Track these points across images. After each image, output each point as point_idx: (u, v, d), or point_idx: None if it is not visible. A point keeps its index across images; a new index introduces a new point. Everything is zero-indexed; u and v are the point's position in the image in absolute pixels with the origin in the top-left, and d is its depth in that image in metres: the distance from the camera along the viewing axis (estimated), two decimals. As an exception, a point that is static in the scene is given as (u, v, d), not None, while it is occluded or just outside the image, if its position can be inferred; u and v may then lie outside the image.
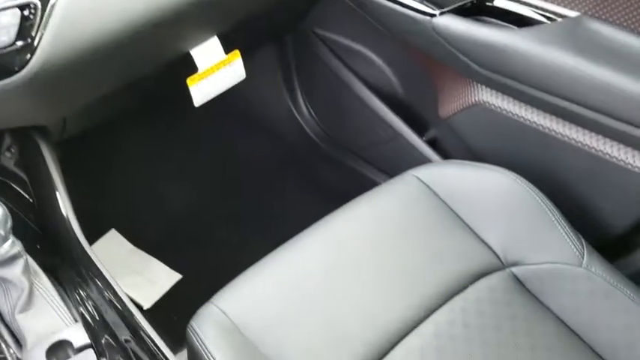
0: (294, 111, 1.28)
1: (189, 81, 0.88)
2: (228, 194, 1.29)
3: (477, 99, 0.93)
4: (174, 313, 0.99)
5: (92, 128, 0.98)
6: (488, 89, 0.92)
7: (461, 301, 0.76)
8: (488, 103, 0.92)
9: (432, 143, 1.07)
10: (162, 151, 1.33)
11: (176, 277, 1.13)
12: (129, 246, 1.18)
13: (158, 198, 1.26)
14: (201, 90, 0.91)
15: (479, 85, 0.92)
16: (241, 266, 0.77)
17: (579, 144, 0.83)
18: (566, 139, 0.85)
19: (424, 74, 1.04)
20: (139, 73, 0.84)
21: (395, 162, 1.10)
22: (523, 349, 0.73)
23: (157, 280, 1.12)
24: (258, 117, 1.35)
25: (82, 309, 0.66)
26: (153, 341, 0.62)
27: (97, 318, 0.66)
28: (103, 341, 0.63)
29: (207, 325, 0.70)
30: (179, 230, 1.22)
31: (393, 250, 0.80)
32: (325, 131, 1.27)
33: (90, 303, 0.67)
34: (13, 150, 0.83)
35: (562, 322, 0.77)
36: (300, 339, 0.70)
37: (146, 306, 1.08)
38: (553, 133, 0.86)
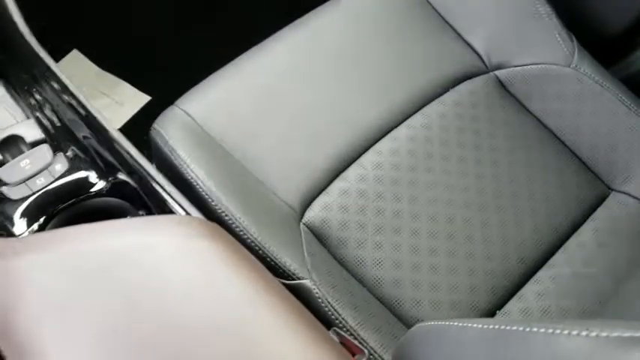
0: None
1: None
2: (196, 13, 1.19)
3: None
4: (144, 134, 0.96)
5: None
6: None
7: (439, 105, 0.72)
8: None
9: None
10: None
11: (145, 98, 1.08)
12: (94, 68, 1.11)
13: (122, 18, 1.16)
14: None
15: None
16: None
17: None
18: None
19: None
20: None
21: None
22: (501, 151, 0.71)
23: (125, 101, 1.07)
24: None
25: (37, 113, 0.62)
26: (111, 136, 0.59)
27: (54, 119, 0.61)
28: (59, 138, 0.59)
29: (170, 125, 0.66)
30: (146, 52, 1.14)
31: (370, 52, 0.74)
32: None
33: (47, 106, 0.62)
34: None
35: (544, 125, 0.74)
36: (268, 138, 0.67)
37: (116, 127, 1.04)
38: None
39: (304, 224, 0.65)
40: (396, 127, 0.71)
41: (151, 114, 1.04)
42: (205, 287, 0.39)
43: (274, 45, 0.74)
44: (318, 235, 0.65)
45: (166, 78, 1.10)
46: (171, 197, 0.54)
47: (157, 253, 0.42)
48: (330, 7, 0.77)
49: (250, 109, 0.69)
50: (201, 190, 0.61)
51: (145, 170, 0.56)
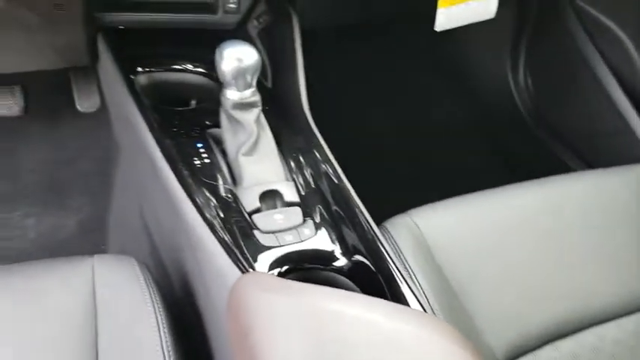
0: (510, 78, 1.21)
1: (440, 2, 0.85)
2: (410, 138, 1.25)
3: None
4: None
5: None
6: None
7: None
8: None
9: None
10: (366, 74, 1.32)
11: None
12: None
13: (346, 118, 1.25)
14: (449, 15, 0.88)
15: None
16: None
17: None
18: None
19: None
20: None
21: (611, 160, 1.00)
22: None
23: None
24: (468, 73, 1.30)
25: (295, 175, 0.68)
26: (363, 215, 0.62)
27: (312, 184, 0.66)
28: (312, 204, 0.64)
29: (400, 229, 0.68)
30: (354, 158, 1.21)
31: (609, 233, 0.72)
32: (537, 107, 1.18)
33: (308, 171, 0.68)
34: (261, 20, 0.87)
35: None
36: (487, 279, 0.66)
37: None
38: None
39: (504, 378, 0.61)
40: (622, 316, 0.66)
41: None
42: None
43: (516, 192, 0.75)
44: (516, 396, 0.60)
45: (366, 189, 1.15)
46: (411, 290, 0.54)
47: (406, 343, 0.42)
48: (575, 177, 0.78)
49: (475, 246, 0.69)
50: (419, 299, 0.60)
51: (389, 257, 0.57)
